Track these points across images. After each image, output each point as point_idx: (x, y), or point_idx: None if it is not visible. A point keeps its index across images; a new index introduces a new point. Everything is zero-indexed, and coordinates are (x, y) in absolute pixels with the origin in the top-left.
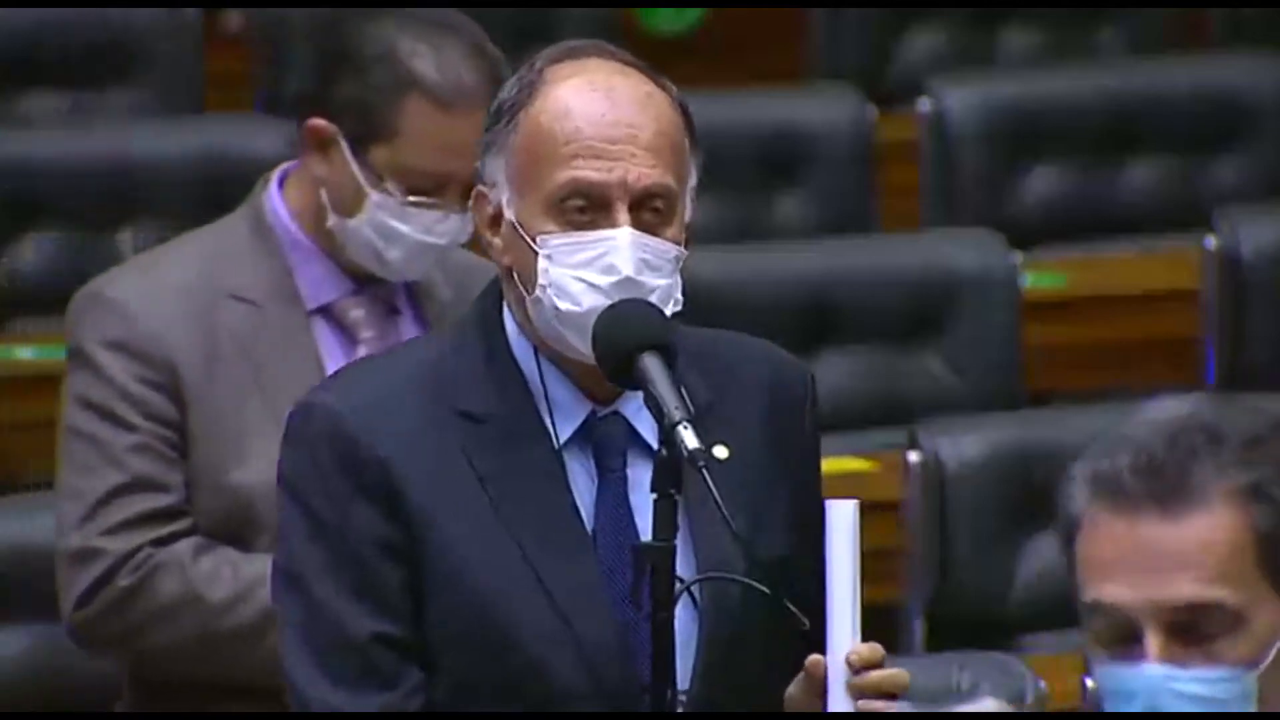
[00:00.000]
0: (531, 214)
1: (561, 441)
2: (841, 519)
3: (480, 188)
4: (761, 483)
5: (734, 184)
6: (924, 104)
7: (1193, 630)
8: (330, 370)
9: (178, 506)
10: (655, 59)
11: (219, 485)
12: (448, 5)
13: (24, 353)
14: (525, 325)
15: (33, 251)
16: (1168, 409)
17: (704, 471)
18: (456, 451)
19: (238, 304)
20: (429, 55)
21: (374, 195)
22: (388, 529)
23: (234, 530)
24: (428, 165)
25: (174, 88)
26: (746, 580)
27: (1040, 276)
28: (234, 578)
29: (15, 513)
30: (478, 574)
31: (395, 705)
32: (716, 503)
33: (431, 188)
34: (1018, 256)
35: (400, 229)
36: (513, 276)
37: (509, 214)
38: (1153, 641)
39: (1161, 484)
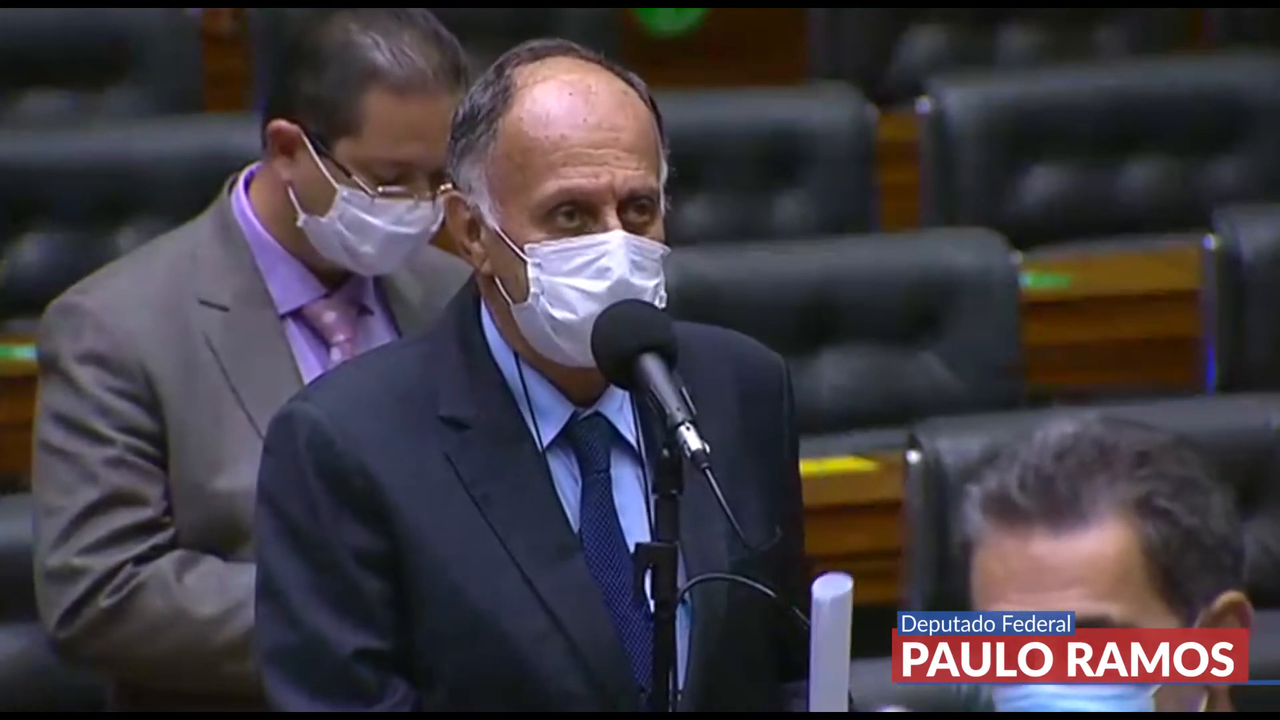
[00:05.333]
0: (518, 223)
1: (544, 444)
2: (832, 605)
3: (455, 193)
4: (737, 478)
5: (734, 184)
6: (924, 104)
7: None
8: (306, 374)
9: (157, 519)
10: (655, 59)
11: (199, 495)
12: (448, 5)
13: (24, 353)
14: (507, 330)
15: (33, 251)
16: (1059, 427)
17: (707, 473)
18: (440, 457)
19: (208, 309)
20: (384, 46)
21: (342, 191)
22: (371, 539)
23: (216, 539)
24: (393, 155)
25: (174, 88)
26: (750, 583)
27: (1040, 276)
28: (221, 591)
29: (14, 513)
30: (468, 580)
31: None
32: (721, 504)
33: (398, 177)
34: (1018, 256)
35: (371, 222)
36: (495, 283)
37: (491, 222)
38: None
39: (1051, 500)
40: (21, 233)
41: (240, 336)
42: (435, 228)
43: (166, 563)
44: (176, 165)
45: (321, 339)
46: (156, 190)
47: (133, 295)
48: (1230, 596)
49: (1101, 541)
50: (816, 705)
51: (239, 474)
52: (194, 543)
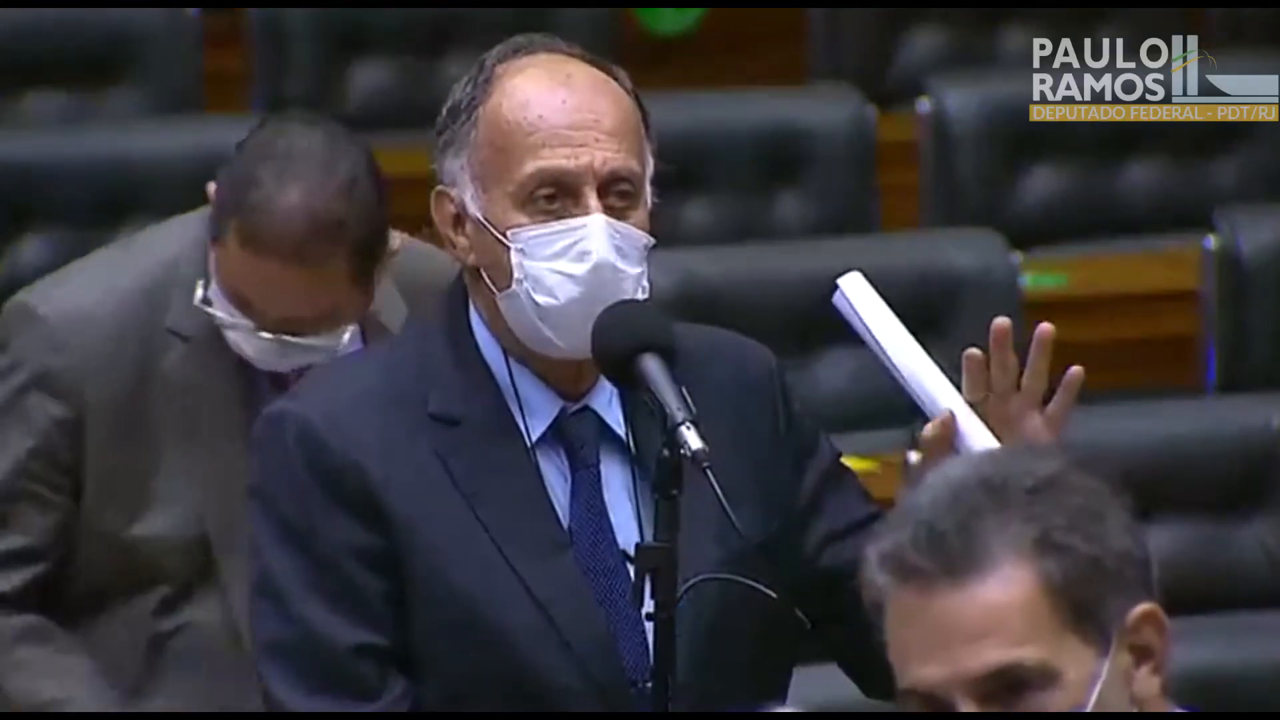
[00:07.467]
0: (500, 208)
1: (533, 440)
2: (856, 293)
3: (439, 188)
4: (733, 477)
5: (734, 184)
6: (924, 104)
7: (1004, 694)
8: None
9: (29, 549)
10: (655, 59)
11: (115, 539)
12: (449, 5)
13: None
14: (494, 324)
15: (33, 251)
16: (948, 472)
17: (707, 472)
18: (430, 454)
19: (171, 339)
20: None
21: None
22: (364, 536)
23: (129, 581)
24: None
25: (174, 88)
26: (751, 583)
27: (1040, 276)
28: (49, 676)
29: None
30: (459, 576)
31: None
32: (721, 504)
33: None
34: (1018, 256)
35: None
36: (480, 275)
37: (474, 211)
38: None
39: (946, 554)
40: (21, 233)
41: (197, 373)
42: None
43: (11, 624)
44: (176, 165)
45: (278, 380)
46: (156, 190)
47: (96, 311)
48: (1142, 609)
49: (1003, 587)
50: (909, 384)
51: (164, 517)
52: (101, 584)
